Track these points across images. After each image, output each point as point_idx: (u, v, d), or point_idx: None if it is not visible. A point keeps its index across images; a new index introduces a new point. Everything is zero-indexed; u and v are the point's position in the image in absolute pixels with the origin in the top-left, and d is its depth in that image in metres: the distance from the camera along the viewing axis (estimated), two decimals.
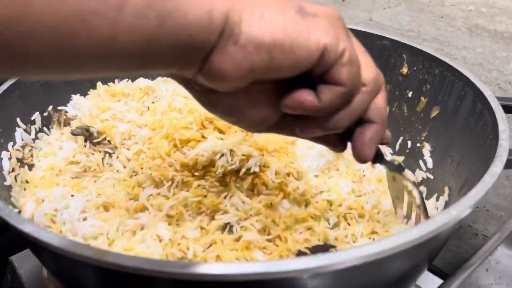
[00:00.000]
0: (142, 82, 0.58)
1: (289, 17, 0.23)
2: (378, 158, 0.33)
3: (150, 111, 0.55)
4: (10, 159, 0.45)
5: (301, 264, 0.24)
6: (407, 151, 0.56)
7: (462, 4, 0.56)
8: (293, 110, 0.26)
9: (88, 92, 0.57)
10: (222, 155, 0.47)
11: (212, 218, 0.43)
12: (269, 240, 0.42)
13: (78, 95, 0.55)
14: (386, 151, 0.58)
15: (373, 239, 0.44)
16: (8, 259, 0.53)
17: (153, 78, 0.59)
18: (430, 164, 0.52)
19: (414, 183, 0.38)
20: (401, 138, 0.57)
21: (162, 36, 0.20)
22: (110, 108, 0.54)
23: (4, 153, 0.44)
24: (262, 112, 0.27)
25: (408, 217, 0.42)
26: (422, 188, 0.52)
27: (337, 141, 0.31)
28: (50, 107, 0.53)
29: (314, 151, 0.51)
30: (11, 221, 0.28)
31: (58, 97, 0.54)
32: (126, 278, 0.28)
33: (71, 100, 0.55)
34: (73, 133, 0.50)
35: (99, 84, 0.57)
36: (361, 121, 0.28)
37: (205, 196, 0.45)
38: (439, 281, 0.51)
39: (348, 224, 0.46)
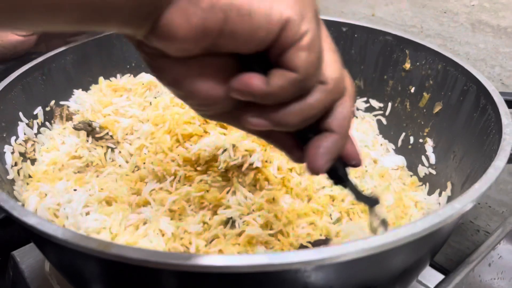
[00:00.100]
0: (144, 77, 0.58)
1: None
2: (339, 178, 0.29)
3: (152, 106, 0.55)
4: (13, 153, 0.45)
5: (305, 256, 0.24)
6: (410, 146, 0.56)
7: None
8: (240, 94, 0.24)
9: (90, 87, 0.57)
10: (225, 150, 0.47)
11: (215, 213, 0.43)
12: (271, 235, 0.42)
13: (80, 90, 0.55)
14: (389, 147, 0.58)
15: None
16: (10, 254, 0.53)
17: None
18: (432, 159, 0.52)
19: (383, 222, 0.33)
20: (404, 134, 0.57)
21: None
22: (112, 103, 0.54)
23: (7, 147, 0.44)
24: (212, 90, 0.24)
25: None
26: (425, 185, 0.52)
27: (293, 146, 0.29)
28: (52, 102, 0.53)
29: None
30: (15, 213, 0.28)
31: (60, 92, 0.54)
32: (130, 271, 0.28)
33: (73, 95, 0.55)
34: (75, 128, 0.50)
35: (101, 79, 0.57)
36: (320, 128, 0.26)
37: (208, 191, 0.45)
38: (441, 277, 0.51)
39: (351, 219, 0.46)
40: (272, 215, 0.43)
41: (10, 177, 0.43)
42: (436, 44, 0.57)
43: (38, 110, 0.51)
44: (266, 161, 0.48)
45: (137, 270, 0.27)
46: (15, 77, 0.47)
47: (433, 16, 0.60)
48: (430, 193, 0.50)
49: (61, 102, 0.54)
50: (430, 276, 0.51)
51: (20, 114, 0.48)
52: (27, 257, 0.52)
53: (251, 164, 0.46)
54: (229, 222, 0.43)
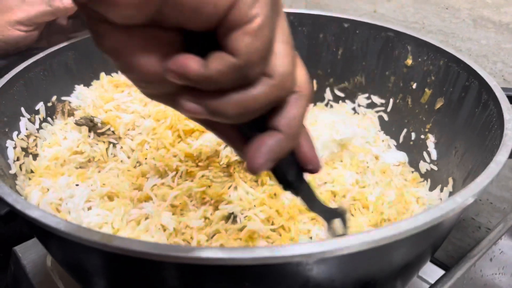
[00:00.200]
0: None
1: None
2: (288, 183, 0.27)
3: (153, 102, 0.55)
4: (15, 148, 0.45)
5: (306, 249, 0.24)
6: (411, 143, 0.56)
7: None
8: (174, 75, 0.22)
9: (92, 83, 0.57)
10: (226, 145, 0.47)
11: (216, 208, 0.44)
12: (272, 230, 0.42)
13: (82, 85, 0.56)
14: (390, 143, 0.58)
15: None
16: (12, 249, 0.53)
17: None
18: (434, 155, 0.52)
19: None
20: (405, 130, 0.57)
21: None
22: (113, 99, 0.54)
23: (9, 142, 0.44)
24: (152, 66, 0.22)
25: None
26: (426, 180, 0.52)
27: (238, 140, 0.27)
28: (54, 97, 0.53)
29: (318, 143, 0.51)
30: (19, 206, 0.28)
31: (62, 88, 0.54)
32: (133, 264, 0.28)
33: (75, 90, 0.55)
34: (77, 123, 0.51)
35: (102, 74, 0.57)
36: (267, 126, 0.24)
37: (209, 186, 0.45)
38: (442, 273, 0.51)
39: (352, 215, 0.46)
40: (274, 211, 0.43)
41: (12, 171, 0.43)
42: (438, 40, 0.57)
43: (40, 106, 0.51)
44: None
45: (139, 263, 0.27)
46: (17, 72, 0.47)
47: (435, 12, 0.60)
48: (431, 189, 0.50)
49: (63, 98, 0.54)
50: (431, 272, 0.51)
51: (22, 109, 0.48)
52: (29, 253, 0.52)
53: None
54: (231, 217, 0.43)
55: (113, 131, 0.51)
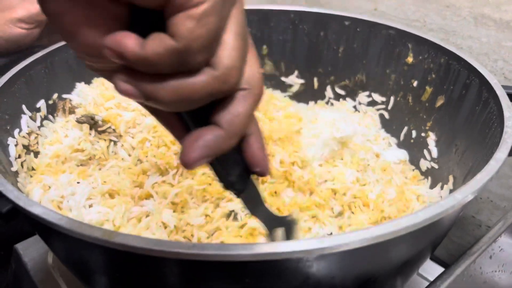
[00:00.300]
0: None
1: None
2: (229, 183, 0.26)
3: None
4: (16, 145, 0.45)
5: (306, 245, 0.24)
6: (412, 141, 0.56)
7: None
8: (111, 53, 0.20)
9: (92, 81, 0.57)
10: None
11: (217, 205, 0.44)
12: None
13: (83, 83, 0.56)
14: (391, 141, 0.58)
15: None
16: (13, 246, 0.53)
17: None
18: (434, 153, 0.52)
19: None
20: (406, 128, 0.57)
21: None
22: (114, 97, 0.54)
23: (10, 139, 0.45)
24: (93, 39, 0.21)
25: None
26: (427, 178, 0.52)
27: (179, 129, 0.26)
28: (55, 95, 0.53)
29: (319, 140, 0.51)
30: (21, 203, 0.28)
31: (63, 85, 0.54)
32: (134, 260, 0.28)
33: (76, 88, 0.55)
34: (78, 121, 0.51)
35: None
36: (209, 121, 0.23)
37: (210, 184, 0.45)
38: (442, 270, 0.51)
39: (353, 213, 0.46)
40: (275, 208, 0.43)
41: (14, 169, 0.43)
42: (439, 38, 0.57)
43: (41, 103, 0.51)
44: (268, 155, 0.48)
45: (141, 259, 0.27)
46: (18, 70, 0.47)
47: (436, 10, 0.60)
48: (432, 187, 0.50)
49: (64, 96, 0.54)
50: (431, 269, 0.51)
51: (23, 107, 0.48)
52: (30, 250, 0.53)
53: None
54: (231, 215, 0.43)
55: (114, 129, 0.52)
